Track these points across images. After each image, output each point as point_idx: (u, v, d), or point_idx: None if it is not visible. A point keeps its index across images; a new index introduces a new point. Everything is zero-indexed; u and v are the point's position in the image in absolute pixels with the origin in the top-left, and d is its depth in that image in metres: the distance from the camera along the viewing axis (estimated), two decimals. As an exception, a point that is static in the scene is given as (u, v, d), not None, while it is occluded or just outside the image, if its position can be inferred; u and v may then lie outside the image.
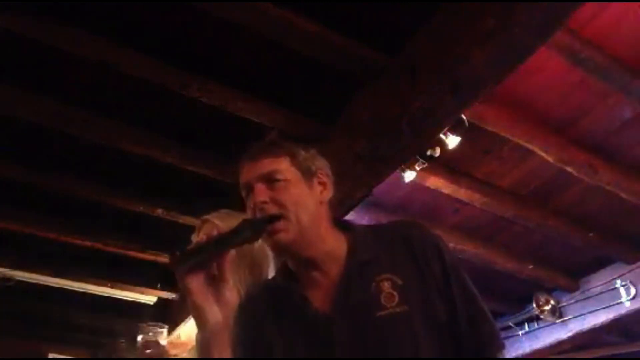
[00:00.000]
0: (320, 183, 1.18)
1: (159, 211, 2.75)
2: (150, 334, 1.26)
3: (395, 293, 1.07)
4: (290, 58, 1.91)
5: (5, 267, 3.12)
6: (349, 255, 1.13)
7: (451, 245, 3.28)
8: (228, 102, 2.05)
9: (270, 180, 1.10)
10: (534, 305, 3.91)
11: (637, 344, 4.43)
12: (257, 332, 1.11)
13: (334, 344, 1.06)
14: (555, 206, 3.18)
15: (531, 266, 3.66)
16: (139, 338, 1.26)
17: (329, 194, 1.19)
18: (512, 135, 2.55)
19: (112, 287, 3.38)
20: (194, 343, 1.25)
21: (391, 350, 1.04)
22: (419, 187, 2.86)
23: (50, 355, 3.78)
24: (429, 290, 1.08)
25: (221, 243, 1.00)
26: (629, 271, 3.55)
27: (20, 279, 3.18)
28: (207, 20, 1.78)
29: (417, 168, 2.58)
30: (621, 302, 3.55)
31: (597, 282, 3.77)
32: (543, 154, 2.64)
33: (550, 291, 3.98)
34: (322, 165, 1.21)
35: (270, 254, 1.30)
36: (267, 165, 1.12)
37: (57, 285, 3.32)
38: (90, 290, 3.39)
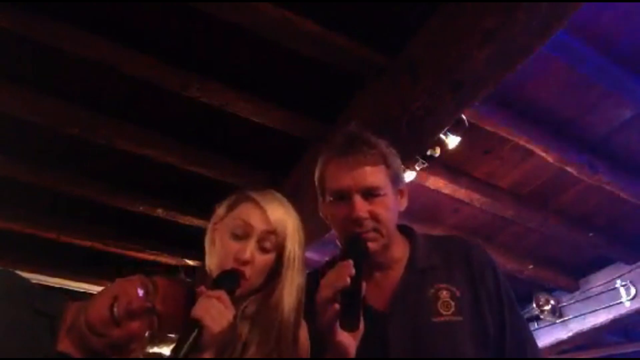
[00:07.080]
0: (400, 191, 1.24)
1: (159, 211, 2.75)
2: None
3: (452, 303, 1.14)
4: (290, 58, 1.91)
5: (5, 267, 3.11)
6: (409, 262, 1.21)
7: (451, 245, 3.27)
8: (228, 102, 2.05)
9: (370, 194, 1.16)
10: (534, 305, 3.91)
11: (637, 344, 4.43)
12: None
13: (388, 340, 1.12)
14: (555, 206, 3.18)
15: (531, 266, 3.66)
16: None
17: (405, 203, 1.27)
18: (512, 135, 2.55)
19: (112, 287, 3.38)
20: None
21: (441, 354, 1.10)
22: (419, 187, 2.86)
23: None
24: (481, 306, 1.15)
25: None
26: (629, 271, 3.55)
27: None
28: (207, 21, 1.78)
29: (417, 168, 2.57)
30: (621, 302, 3.55)
31: (597, 282, 3.77)
32: (543, 154, 2.63)
33: (550, 291, 3.98)
34: (403, 175, 1.28)
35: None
36: (369, 177, 1.16)
37: (57, 285, 3.32)
38: (90, 290, 3.38)
